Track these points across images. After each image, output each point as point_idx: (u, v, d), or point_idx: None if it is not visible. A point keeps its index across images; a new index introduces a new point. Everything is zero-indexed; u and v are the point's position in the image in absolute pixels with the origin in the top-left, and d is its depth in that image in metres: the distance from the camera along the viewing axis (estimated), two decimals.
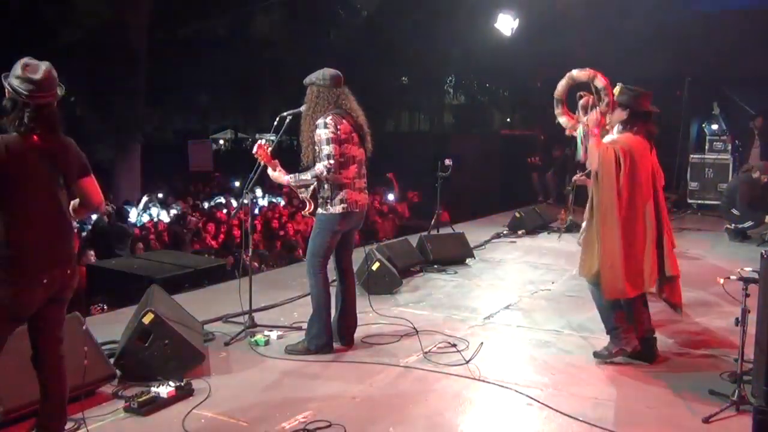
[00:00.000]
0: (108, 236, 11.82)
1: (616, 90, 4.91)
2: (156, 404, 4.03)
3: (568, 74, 4.99)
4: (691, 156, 13.74)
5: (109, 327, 5.29)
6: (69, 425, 3.73)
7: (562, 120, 5.07)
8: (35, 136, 3.20)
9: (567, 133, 5.20)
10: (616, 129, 4.94)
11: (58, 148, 3.31)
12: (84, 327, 4.41)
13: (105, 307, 7.26)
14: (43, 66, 3.23)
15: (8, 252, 3.13)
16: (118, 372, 4.38)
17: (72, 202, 3.47)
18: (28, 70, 3.18)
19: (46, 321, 3.37)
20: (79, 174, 3.42)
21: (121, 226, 12.58)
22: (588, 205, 4.90)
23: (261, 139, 5.08)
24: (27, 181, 3.19)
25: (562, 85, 5.02)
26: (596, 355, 4.98)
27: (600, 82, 4.80)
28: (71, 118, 16.37)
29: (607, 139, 4.91)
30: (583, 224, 5.10)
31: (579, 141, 4.95)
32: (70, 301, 3.47)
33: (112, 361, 4.43)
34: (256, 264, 5.60)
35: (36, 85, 3.17)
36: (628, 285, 4.69)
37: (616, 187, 4.66)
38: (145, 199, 14.97)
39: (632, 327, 4.89)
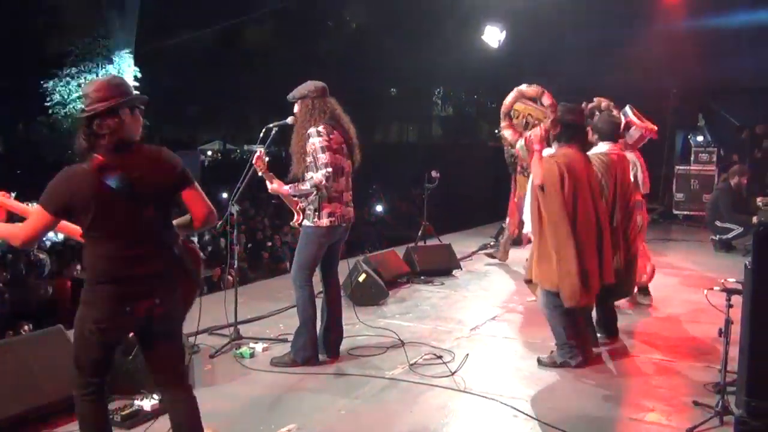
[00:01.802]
0: None
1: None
2: (139, 417, 4.01)
3: (516, 89, 5.09)
4: (677, 167, 13.83)
5: None
6: None
7: (507, 133, 5.16)
8: (102, 159, 2.92)
9: (507, 146, 5.26)
10: (556, 143, 5.12)
11: (135, 165, 2.99)
12: (67, 339, 4.39)
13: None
14: (102, 78, 3.07)
15: (92, 276, 3.03)
16: None
17: (176, 221, 3.21)
18: (84, 86, 3.05)
19: (159, 355, 3.20)
20: (176, 186, 3.09)
21: None
22: (537, 218, 5.03)
23: (260, 149, 5.04)
24: (104, 210, 2.95)
25: (510, 99, 5.12)
26: (539, 361, 5.13)
27: (547, 100, 4.89)
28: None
29: (546, 152, 5.08)
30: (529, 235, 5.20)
31: (522, 149, 5.04)
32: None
33: None
34: (230, 278, 5.58)
35: (88, 99, 2.99)
36: (583, 292, 4.85)
37: (561, 199, 4.83)
38: None
39: (581, 342, 5.06)
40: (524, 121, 8.15)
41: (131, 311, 3.03)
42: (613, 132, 5.89)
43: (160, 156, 3.10)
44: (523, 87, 5.04)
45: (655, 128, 6.46)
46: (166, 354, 3.21)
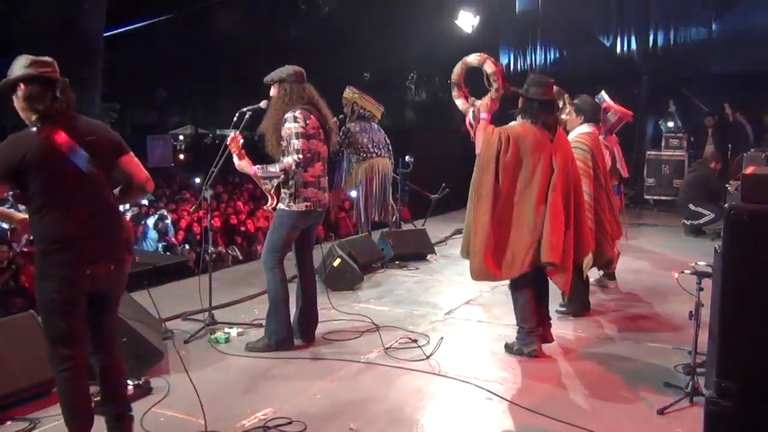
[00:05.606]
0: None
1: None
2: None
3: (462, 59, 5.13)
4: (648, 152, 13.95)
5: None
6: (24, 425, 3.69)
7: (459, 102, 5.20)
8: (52, 127, 3.08)
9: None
10: (518, 117, 4.88)
11: (80, 132, 3.16)
12: (38, 325, 4.34)
13: None
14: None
15: (49, 247, 3.08)
16: None
17: (114, 191, 3.35)
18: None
19: (101, 321, 3.35)
20: (115, 154, 3.29)
21: None
22: (471, 188, 4.90)
23: (233, 131, 5.00)
24: (54, 178, 3.08)
25: (457, 69, 5.18)
26: (506, 346, 5.10)
27: (489, 67, 4.90)
28: None
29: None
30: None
31: (472, 118, 5.00)
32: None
33: None
34: (207, 258, 5.54)
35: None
36: (494, 268, 4.72)
37: (494, 170, 4.68)
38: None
39: (539, 329, 4.95)
40: (350, 108, 8.10)
41: (92, 275, 3.13)
42: (596, 114, 5.92)
43: (99, 125, 3.34)
44: (468, 57, 5.10)
45: (631, 113, 6.50)
46: (107, 320, 3.37)
